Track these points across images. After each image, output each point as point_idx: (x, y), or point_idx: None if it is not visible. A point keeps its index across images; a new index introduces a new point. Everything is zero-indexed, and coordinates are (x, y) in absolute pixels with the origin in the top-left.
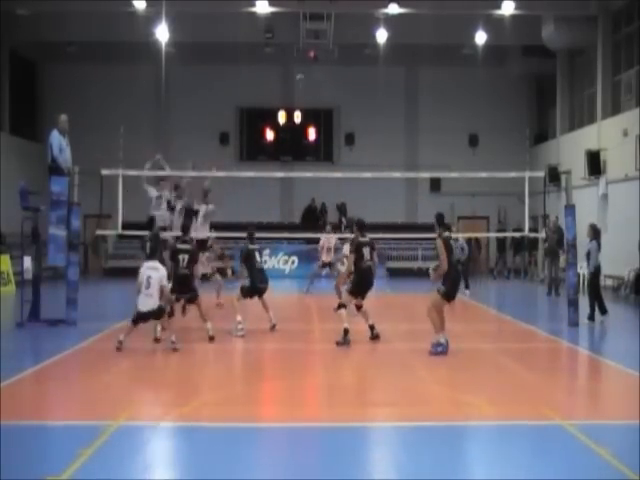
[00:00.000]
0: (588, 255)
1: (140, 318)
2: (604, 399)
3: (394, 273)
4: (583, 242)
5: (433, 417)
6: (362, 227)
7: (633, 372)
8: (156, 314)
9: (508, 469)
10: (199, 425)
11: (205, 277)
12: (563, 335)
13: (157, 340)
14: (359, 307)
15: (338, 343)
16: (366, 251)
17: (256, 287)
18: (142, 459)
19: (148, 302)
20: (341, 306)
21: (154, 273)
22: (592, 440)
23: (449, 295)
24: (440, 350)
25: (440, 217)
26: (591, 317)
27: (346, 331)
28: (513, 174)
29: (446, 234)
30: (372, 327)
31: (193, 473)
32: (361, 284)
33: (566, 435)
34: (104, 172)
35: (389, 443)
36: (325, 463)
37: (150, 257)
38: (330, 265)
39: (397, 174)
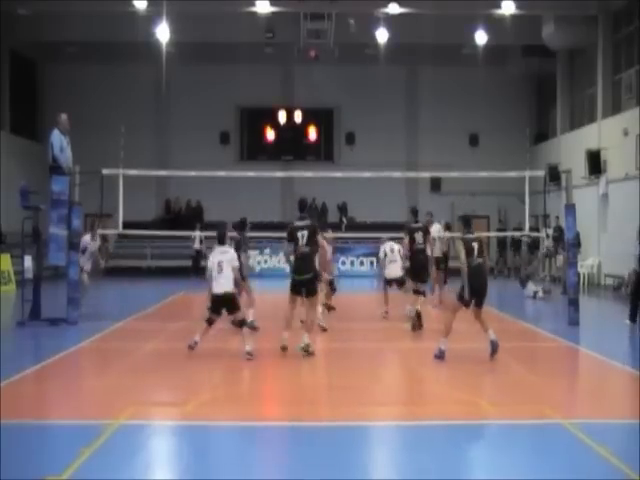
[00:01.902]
0: None
1: (215, 303)
2: (604, 398)
3: None
4: (585, 240)
5: (433, 417)
6: (415, 213)
7: (633, 371)
8: (231, 300)
9: (509, 468)
10: (199, 425)
11: None
12: (563, 334)
13: (249, 354)
14: (419, 292)
15: (413, 328)
16: (418, 236)
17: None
18: (142, 459)
19: (221, 284)
20: (417, 292)
21: (225, 256)
22: (592, 439)
23: (461, 298)
24: (436, 354)
25: (465, 219)
26: (633, 318)
27: (418, 315)
28: (513, 174)
29: (469, 235)
30: (419, 315)
31: (193, 473)
32: (414, 267)
33: (566, 434)
34: (105, 171)
35: (389, 443)
36: (325, 463)
37: (220, 243)
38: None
39: (397, 174)
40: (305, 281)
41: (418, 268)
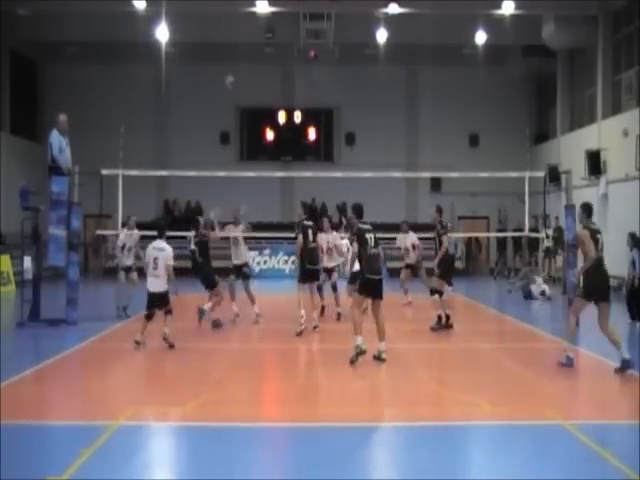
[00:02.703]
0: (633, 263)
1: (150, 301)
2: (605, 399)
3: (394, 273)
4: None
5: (433, 417)
6: (441, 212)
7: (633, 372)
8: (163, 300)
9: (509, 469)
10: (199, 425)
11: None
12: (564, 335)
13: (166, 340)
14: (435, 292)
15: (433, 329)
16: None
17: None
18: (142, 459)
19: (156, 283)
20: (435, 292)
21: (160, 253)
22: (593, 440)
23: (588, 294)
24: (564, 363)
25: (587, 207)
26: (634, 316)
27: (439, 317)
28: (513, 174)
29: (593, 226)
30: (448, 317)
31: (193, 473)
32: (449, 266)
33: (567, 435)
34: (104, 172)
35: (389, 443)
36: (325, 463)
37: (159, 237)
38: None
39: (397, 174)
40: (378, 281)
41: (450, 267)
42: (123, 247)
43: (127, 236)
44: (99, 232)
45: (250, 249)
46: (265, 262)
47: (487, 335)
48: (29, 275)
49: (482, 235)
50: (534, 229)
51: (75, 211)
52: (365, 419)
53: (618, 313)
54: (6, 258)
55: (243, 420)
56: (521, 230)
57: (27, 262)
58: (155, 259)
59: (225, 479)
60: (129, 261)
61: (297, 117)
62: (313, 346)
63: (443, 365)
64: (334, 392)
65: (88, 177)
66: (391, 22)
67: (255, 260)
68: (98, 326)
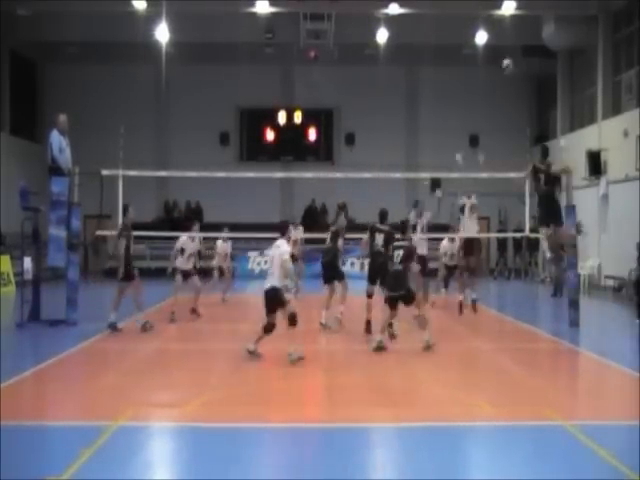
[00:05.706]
0: None
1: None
2: (604, 399)
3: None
4: (585, 242)
5: (433, 417)
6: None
7: (633, 372)
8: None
9: (509, 469)
10: (199, 425)
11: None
12: (564, 335)
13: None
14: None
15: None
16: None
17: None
18: (142, 459)
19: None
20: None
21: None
22: (593, 440)
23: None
24: None
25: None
26: None
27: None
28: (513, 174)
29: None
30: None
31: (193, 473)
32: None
33: (567, 435)
34: (104, 172)
35: (389, 443)
36: (325, 463)
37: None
38: None
39: (397, 174)
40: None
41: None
42: (183, 251)
43: (187, 242)
44: (99, 232)
45: (250, 249)
46: (265, 262)
47: (487, 335)
48: (29, 276)
49: (482, 235)
50: (534, 229)
51: (75, 211)
52: (365, 419)
53: (620, 315)
54: (6, 258)
55: (243, 420)
56: (521, 230)
57: (27, 262)
58: None
59: (225, 479)
60: (188, 265)
61: (297, 117)
62: (314, 347)
63: (443, 365)
64: (334, 392)
65: (88, 177)
66: (391, 22)
67: (255, 260)
68: (98, 326)
